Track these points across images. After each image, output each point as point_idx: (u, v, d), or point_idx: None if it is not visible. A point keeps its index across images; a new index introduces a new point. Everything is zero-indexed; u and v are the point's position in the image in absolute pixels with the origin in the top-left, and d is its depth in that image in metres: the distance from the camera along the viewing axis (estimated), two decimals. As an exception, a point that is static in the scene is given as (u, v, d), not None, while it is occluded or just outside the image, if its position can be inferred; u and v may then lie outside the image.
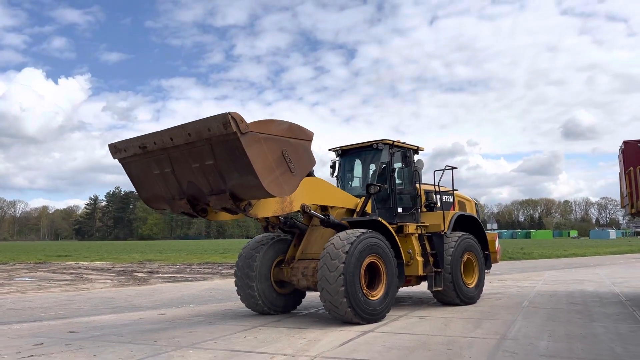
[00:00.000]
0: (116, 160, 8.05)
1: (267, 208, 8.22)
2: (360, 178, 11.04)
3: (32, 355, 6.43)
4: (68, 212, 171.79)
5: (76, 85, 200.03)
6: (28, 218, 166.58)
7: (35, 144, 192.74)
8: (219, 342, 7.13)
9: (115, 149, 7.93)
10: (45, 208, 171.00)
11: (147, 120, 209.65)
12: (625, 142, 11.21)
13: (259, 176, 6.70)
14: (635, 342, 6.75)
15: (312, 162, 7.84)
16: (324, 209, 9.39)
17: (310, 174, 9.48)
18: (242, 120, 6.58)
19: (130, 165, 7.98)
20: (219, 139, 6.71)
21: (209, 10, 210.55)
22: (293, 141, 7.38)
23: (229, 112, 6.50)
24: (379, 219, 9.24)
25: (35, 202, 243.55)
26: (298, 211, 8.93)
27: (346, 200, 9.72)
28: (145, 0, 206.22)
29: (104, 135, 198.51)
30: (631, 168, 10.35)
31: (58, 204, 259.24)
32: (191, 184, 7.39)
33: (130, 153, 7.73)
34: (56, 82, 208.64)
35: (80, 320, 9.39)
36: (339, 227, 9.18)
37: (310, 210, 8.93)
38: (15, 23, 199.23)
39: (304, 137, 7.60)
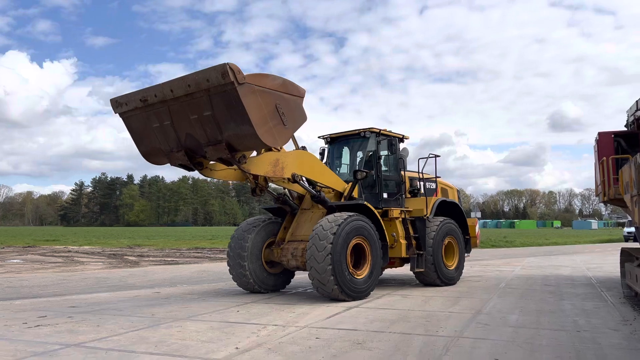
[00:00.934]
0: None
1: (260, 166, 8.76)
2: (348, 165, 11.54)
3: (38, 325, 6.87)
4: (53, 198, 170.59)
5: (61, 69, 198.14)
6: (12, 203, 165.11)
7: (20, 128, 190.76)
8: (213, 315, 7.63)
9: (117, 104, 8.28)
10: (29, 193, 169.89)
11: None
12: (599, 134, 11.80)
13: (253, 125, 7.15)
14: (597, 316, 7.36)
15: (304, 117, 8.28)
16: (313, 187, 9.88)
17: (304, 149, 9.98)
18: (240, 71, 7.03)
19: (130, 119, 8.33)
20: (217, 89, 7.13)
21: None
22: (286, 96, 7.83)
23: (227, 63, 6.96)
24: (366, 203, 9.75)
25: (20, 188, 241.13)
26: (288, 179, 9.40)
27: (336, 183, 10.20)
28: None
29: (89, 120, 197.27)
30: (604, 158, 10.94)
31: (43, 189, 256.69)
32: (189, 135, 7.80)
33: (131, 107, 8.08)
34: (41, 66, 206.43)
35: (79, 297, 9.82)
36: (327, 206, 9.73)
37: (300, 180, 9.40)
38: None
39: (296, 93, 8.07)
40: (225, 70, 6.91)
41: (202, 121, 7.52)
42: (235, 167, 8.86)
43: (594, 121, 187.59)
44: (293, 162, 9.35)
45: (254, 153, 9.00)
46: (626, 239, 42.50)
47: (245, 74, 7.10)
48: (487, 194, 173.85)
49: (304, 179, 9.68)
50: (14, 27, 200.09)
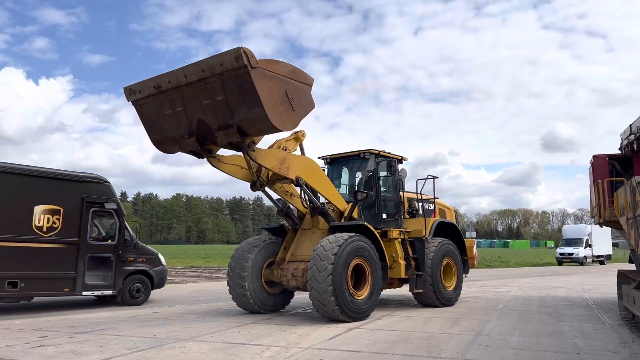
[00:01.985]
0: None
1: (267, 159, 9.01)
2: (347, 185, 11.64)
3: (41, 346, 6.86)
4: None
5: (57, 87, 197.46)
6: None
7: (13, 144, 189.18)
8: (215, 336, 7.63)
9: (130, 91, 8.59)
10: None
11: (129, 123, 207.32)
12: (594, 156, 12.01)
13: (265, 108, 7.42)
14: (596, 338, 7.44)
15: (312, 105, 8.59)
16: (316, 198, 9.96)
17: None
18: (253, 55, 7.36)
19: (143, 107, 8.62)
20: (230, 74, 7.44)
21: (195, 15, 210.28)
22: (295, 83, 8.16)
23: (241, 47, 7.28)
24: (366, 223, 9.83)
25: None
26: (292, 181, 9.51)
27: (338, 200, 10.25)
28: (130, 2, 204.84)
29: (84, 137, 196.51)
30: (599, 180, 11.12)
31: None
32: (201, 121, 8.09)
33: (145, 94, 8.38)
34: (37, 83, 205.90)
35: (78, 317, 9.77)
36: (329, 221, 9.87)
37: (303, 184, 9.49)
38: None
39: (305, 81, 8.41)
40: (239, 54, 7.22)
41: (215, 106, 7.81)
42: (240, 165, 9.17)
43: (587, 142, 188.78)
44: (299, 165, 9.55)
45: (263, 145, 9.22)
46: (559, 261, 36.35)
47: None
48: (480, 213, 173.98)
49: (306, 185, 9.69)
50: (10, 45, 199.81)
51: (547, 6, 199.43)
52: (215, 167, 8.91)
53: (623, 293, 9.43)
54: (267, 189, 10.01)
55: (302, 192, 10.26)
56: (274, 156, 9.22)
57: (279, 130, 8.06)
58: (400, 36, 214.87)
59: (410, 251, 10.88)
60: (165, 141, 8.70)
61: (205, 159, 8.72)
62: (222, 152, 9.04)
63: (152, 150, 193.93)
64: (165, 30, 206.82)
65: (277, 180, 9.87)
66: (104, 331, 8.08)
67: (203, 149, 8.41)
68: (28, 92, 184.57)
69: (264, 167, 9.18)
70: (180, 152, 8.84)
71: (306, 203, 10.53)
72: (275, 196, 10.26)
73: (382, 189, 11.20)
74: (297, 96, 8.08)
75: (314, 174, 9.85)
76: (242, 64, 7.23)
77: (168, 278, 20.66)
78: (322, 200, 10.23)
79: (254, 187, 9.71)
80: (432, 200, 12.18)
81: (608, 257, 40.14)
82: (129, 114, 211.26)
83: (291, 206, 10.38)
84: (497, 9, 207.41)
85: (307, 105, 8.45)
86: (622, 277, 9.89)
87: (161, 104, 8.32)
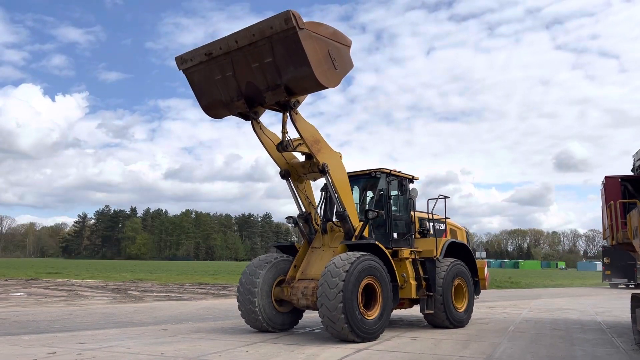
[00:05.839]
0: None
1: (306, 129, 9.40)
2: (357, 204, 11.60)
3: (49, 362, 6.85)
4: (55, 230, 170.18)
5: (73, 103, 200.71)
6: (14, 235, 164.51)
7: (28, 159, 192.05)
8: (223, 355, 7.57)
9: (181, 60, 9.22)
10: (32, 225, 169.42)
11: (142, 139, 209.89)
12: (606, 177, 11.90)
13: (311, 65, 7.95)
14: (611, 364, 7.30)
15: (351, 64, 9.11)
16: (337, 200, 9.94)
17: None
18: (300, 17, 7.91)
19: (193, 74, 9.26)
20: (279, 36, 7.99)
21: (210, 34, 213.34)
22: (336, 44, 8.73)
23: (290, 10, 7.82)
24: (377, 243, 9.76)
25: (23, 219, 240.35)
26: (317, 169, 9.59)
27: (353, 213, 10.09)
28: (147, 22, 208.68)
29: (97, 152, 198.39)
30: (612, 202, 11.00)
31: (46, 220, 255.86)
32: (250, 83, 8.67)
33: (196, 62, 9.02)
34: (53, 99, 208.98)
35: (86, 333, 9.75)
36: (347, 228, 9.81)
37: (328, 173, 9.55)
38: (16, 40, 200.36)
39: (344, 42, 8.98)
40: (288, 16, 7.79)
41: (263, 68, 8.40)
42: (276, 144, 9.63)
43: (600, 162, 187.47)
44: (330, 155, 9.74)
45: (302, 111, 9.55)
46: None
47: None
48: (490, 233, 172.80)
49: (329, 179, 9.70)
50: (28, 62, 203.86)
51: (560, 27, 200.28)
52: (256, 133, 9.53)
53: (637, 317, 9.25)
54: (291, 183, 10.23)
55: (324, 193, 10.73)
56: (311, 131, 9.54)
57: (323, 87, 8.52)
58: (413, 56, 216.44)
59: (421, 271, 10.77)
60: (214, 106, 9.37)
61: (250, 123, 9.46)
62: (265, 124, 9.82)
63: (164, 165, 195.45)
64: (181, 48, 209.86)
65: (303, 174, 10.18)
66: (112, 348, 8.05)
67: (251, 111, 9.08)
68: (44, 108, 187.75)
69: (299, 133, 9.41)
70: (228, 117, 9.55)
71: (319, 219, 10.55)
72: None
73: (393, 208, 11.16)
74: (338, 56, 8.66)
75: (340, 171, 9.95)
76: (291, 25, 7.80)
77: (176, 295, 20.66)
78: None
79: (280, 146, 9.82)
80: (443, 220, 12.11)
81: None
82: (142, 131, 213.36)
83: (304, 223, 10.39)
84: (509, 30, 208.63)
85: (347, 65, 9.00)
86: (636, 300, 9.74)
87: (211, 70, 8.95)
